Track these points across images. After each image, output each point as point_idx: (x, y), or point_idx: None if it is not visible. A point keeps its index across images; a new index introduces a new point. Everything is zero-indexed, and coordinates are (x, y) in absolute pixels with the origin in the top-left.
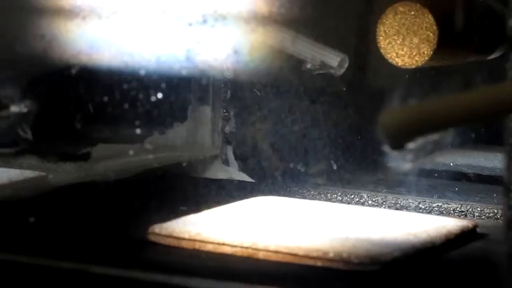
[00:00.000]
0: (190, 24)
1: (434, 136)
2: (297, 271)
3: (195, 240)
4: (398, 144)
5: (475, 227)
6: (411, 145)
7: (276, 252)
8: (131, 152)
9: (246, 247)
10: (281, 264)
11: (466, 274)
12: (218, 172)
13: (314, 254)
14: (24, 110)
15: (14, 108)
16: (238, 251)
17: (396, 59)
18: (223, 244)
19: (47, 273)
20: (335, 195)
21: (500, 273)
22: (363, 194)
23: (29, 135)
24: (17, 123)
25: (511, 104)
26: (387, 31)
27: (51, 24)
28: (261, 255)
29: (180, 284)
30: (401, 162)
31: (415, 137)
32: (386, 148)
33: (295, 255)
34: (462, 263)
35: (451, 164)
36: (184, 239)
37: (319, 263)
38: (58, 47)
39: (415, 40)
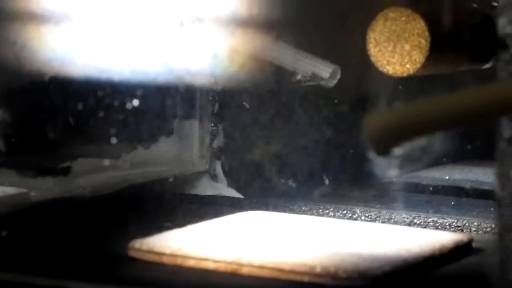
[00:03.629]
0: (167, 29)
1: (421, 142)
2: (283, 286)
3: (176, 256)
4: (383, 150)
5: (470, 241)
6: (397, 151)
7: (261, 267)
8: (108, 165)
9: (230, 262)
10: (266, 280)
11: None
12: (207, 188)
13: (301, 269)
14: None
15: None
16: (221, 267)
17: (387, 67)
18: (206, 259)
19: None
20: (327, 211)
21: (494, 286)
22: (356, 210)
23: (1, 145)
24: None
25: (501, 105)
26: (377, 38)
27: (23, 30)
28: (245, 270)
29: None
30: (387, 169)
31: (401, 142)
32: (371, 154)
33: (281, 270)
34: (456, 277)
35: (447, 178)
36: (165, 254)
37: (306, 279)
38: (30, 54)
39: (407, 47)
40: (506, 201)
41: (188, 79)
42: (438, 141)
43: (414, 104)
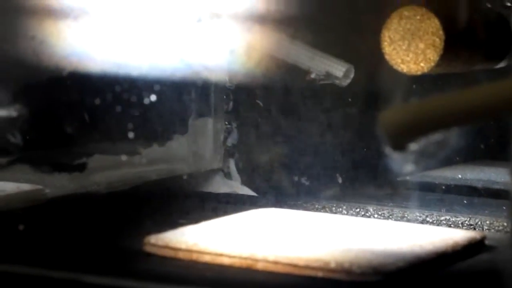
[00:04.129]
0: (185, 25)
1: (437, 137)
2: (297, 282)
3: (192, 251)
4: (400, 145)
5: (483, 238)
6: (413, 146)
7: (276, 263)
8: (124, 160)
9: (245, 258)
10: (280, 275)
11: (471, 286)
12: (220, 185)
13: (315, 264)
14: (14, 114)
15: (2, 112)
16: (236, 262)
17: (401, 65)
18: (221, 255)
19: (42, 283)
20: (340, 209)
21: (507, 284)
22: (369, 208)
23: (18, 140)
24: (7, 128)
25: None
26: (392, 36)
27: (42, 25)
28: (260, 266)
29: None
30: (400, 167)
31: (417, 137)
32: (387, 149)
33: (295, 265)
34: (468, 274)
35: (460, 178)
36: (180, 249)
37: (320, 274)
38: (48, 49)
39: (421, 45)
40: None
41: (205, 75)
42: (451, 140)
43: (429, 99)
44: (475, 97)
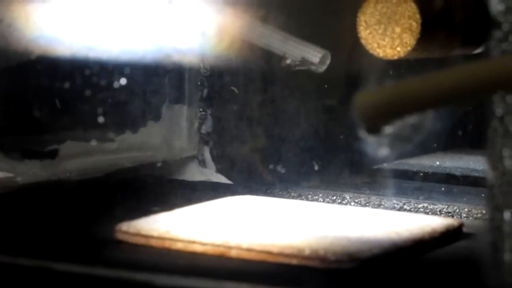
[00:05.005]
0: (156, 6)
1: (412, 119)
2: (271, 269)
3: (164, 238)
4: (374, 128)
5: (461, 225)
6: (388, 129)
7: (249, 250)
8: (95, 145)
9: (218, 245)
10: (254, 262)
11: (448, 273)
12: (195, 173)
13: (289, 251)
14: None
15: None
16: (209, 250)
17: (377, 49)
18: (194, 242)
19: (13, 271)
20: (316, 197)
21: (484, 270)
22: (346, 196)
23: None
24: None
25: (493, 82)
26: (367, 20)
27: (9, 8)
28: (233, 253)
29: (145, 280)
30: (377, 153)
31: (391, 120)
32: (362, 132)
33: (269, 253)
34: (445, 261)
35: (438, 165)
36: (152, 237)
37: (294, 261)
38: (17, 32)
39: (397, 29)
40: (497, 181)
41: (177, 57)
42: (430, 127)
43: (404, 81)
44: (451, 79)
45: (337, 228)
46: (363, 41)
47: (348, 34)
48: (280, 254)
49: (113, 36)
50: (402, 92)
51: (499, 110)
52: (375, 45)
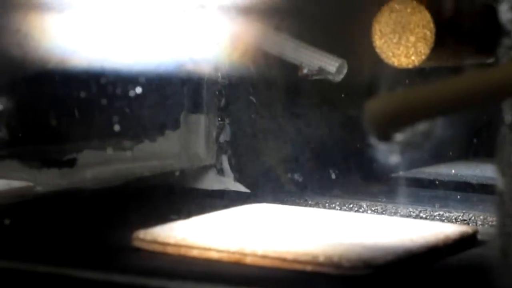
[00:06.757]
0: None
1: (428, 128)
2: (286, 275)
3: (180, 245)
4: (385, 135)
5: (475, 233)
6: (398, 137)
7: (264, 257)
8: (112, 154)
9: (233, 252)
10: (269, 269)
11: (460, 279)
12: (213, 182)
13: (304, 258)
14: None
15: None
16: (224, 257)
17: (392, 58)
18: (209, 249)
19: (32, 278)
20: (334, 205)
21: (495, 277)
22: (362, 204)
23: (4, 134)
24: None
25: (503, 88)
26: (382, 29)
27: (26, 18)
28: (248, 260)
29: (162, 286)
30: (393, 156)
31: (402, 126)
32: (373, 140)
33: (284, 259)
34: (459, 268)
35: (454, 174)
36: (169, 244)
37: (308, 268)
38: (34, 42)
39: (412, 38)
40: (506, 188)
41: (191, 67)
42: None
43: (415, 88)
44: (461, 85)
45: (352, 235)
46: (378, 50)
47: (363, 43)
48: (295, 261)
49: (128, 46)
50: (413, 99)
51: (508, 117)
52: (390, 54)
